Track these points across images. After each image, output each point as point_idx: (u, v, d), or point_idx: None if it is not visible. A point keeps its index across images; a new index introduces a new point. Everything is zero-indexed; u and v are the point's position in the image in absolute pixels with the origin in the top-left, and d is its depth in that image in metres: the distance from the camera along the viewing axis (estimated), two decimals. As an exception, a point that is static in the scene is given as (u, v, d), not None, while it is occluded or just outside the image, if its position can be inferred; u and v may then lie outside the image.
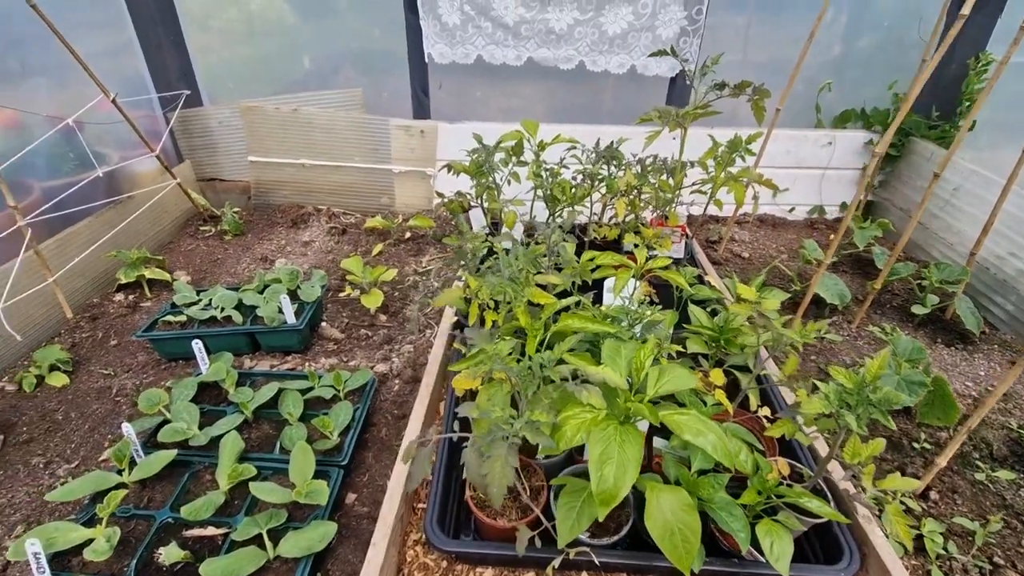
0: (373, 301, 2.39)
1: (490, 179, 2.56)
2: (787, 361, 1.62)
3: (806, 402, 1.29)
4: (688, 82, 3.17)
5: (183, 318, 2.17)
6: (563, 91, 3.42)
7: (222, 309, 2.18)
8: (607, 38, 3.05)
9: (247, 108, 3.28)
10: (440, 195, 2.84)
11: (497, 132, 3.20)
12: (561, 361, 1.35)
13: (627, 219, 2.61)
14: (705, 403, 1.60)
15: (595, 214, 2.79)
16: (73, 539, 1.33)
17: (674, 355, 1.74)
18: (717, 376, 1.71)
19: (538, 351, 1.37)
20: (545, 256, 1.81)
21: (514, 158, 2.50)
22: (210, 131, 3.39)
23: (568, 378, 1.29)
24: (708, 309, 2.00)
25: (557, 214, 2.73)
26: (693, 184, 2.43)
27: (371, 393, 1.85)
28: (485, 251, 1.91)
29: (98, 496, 1.48)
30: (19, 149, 2.29)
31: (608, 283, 2.15)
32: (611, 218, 2.87)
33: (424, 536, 1.52)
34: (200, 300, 2.29)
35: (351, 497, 1.65)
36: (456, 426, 1.44)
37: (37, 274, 2.30)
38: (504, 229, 2.68)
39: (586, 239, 2.68)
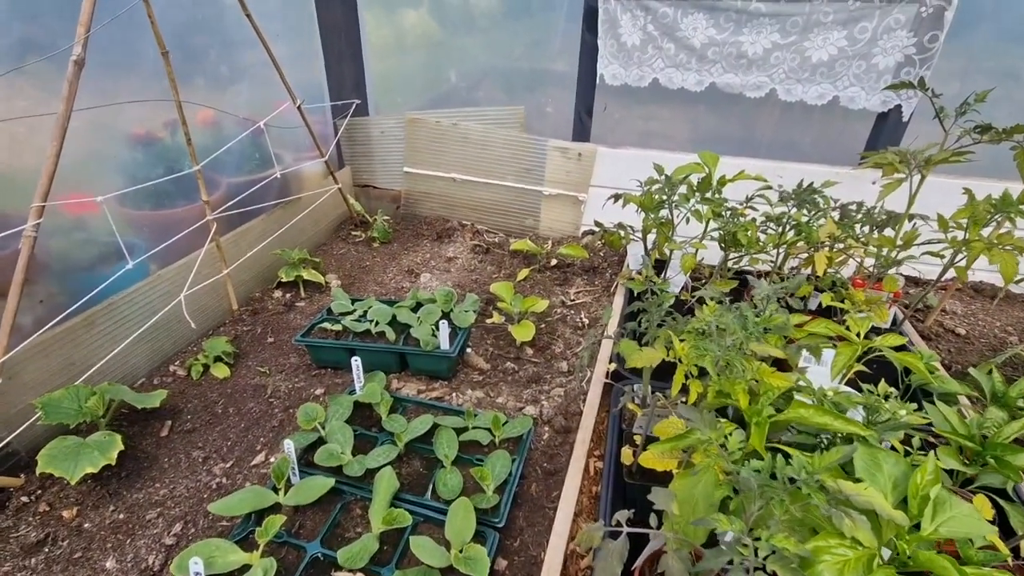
0: (523, 333, 2.22)
1: (665, 215, 2.31)
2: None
3: None
4: (905, 120, 2.70)
5: (339, 327, 2.14)
6: (710, 117, 3.08)
7: (377, 323, 2.12)
8: (809, 65, 2.68)
9: (411, 120, 3.32)
10: (599, 225, 2.64)
11: (661, 161, 2.95)
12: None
13: (825, 275, 2.22)
14: (972, 542, 1.21)
15: (775, 263, 2.42)
16: (231, 562, 1.26)
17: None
18: (984, 507, 1.30)
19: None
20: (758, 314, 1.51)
21: (697, 194, 2.23)
22: (371, 140, 3.48)
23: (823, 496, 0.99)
24: (955, 408, 1.58)
25: (733, 260, 2.40)
26: (925, 243, 1.99)
27: (528, 444, 1.65)
28: (671, 302, 1.66)
29: (256, 515, 1.41)
30: (214, 145, 2.43)
31: (827, 357, 1.80)
32: (792, 269, 2.48)
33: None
34: (355, 310, 2.26)
35: (502, 564, 1.45)
36: (627, 515, 1.17)
37: (214, 266, 2.41)
38: (674, 273, 2.40)
39: (769, 293, 2.32)
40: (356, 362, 1.80)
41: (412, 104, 3.44)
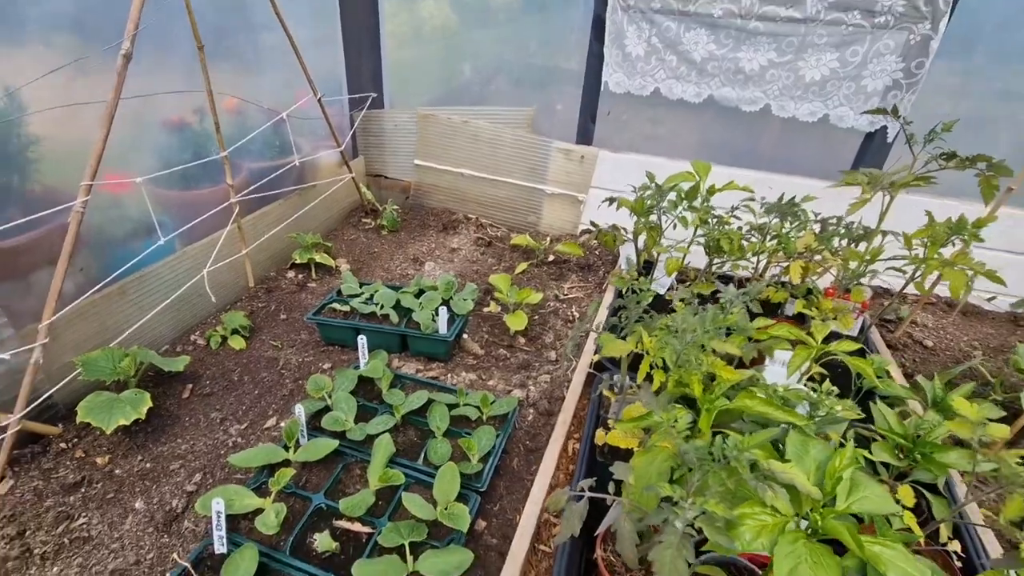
0: (517, 323, 2.40)
1: (654, 219, 2.47)
2: (1010, 501, 1.35)
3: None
4: (889, 141, 2.85)
5: (347, 308, 2.33)
6: (718, 127, 3.23)
7: (382, 306, 2.31)
8: (802, 84, 2.83)
9: (424, 115, 3.49)
10: (595, 225, 2.80)
11: (658, 167, 3.11)
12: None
13: (801, 284, 2.38)
14: (890, 524, 1.39)
15: (756, 270, 2.59)
16: (247, 505, 1.46)
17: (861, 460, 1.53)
18: (906, 495, 1.48)
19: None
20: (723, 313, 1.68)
21: (685, 202, 2.39)
22: (385, 132, 3.65)
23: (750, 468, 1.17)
24: (897, 410, 1.76)
25: (717, 265, 2.57)
26: (889, 259, 2.15)
27: (512, 422, 1.84)
28: (650, 300, 1.84)
29: (268, 468, 1.61)
30: (237, 131, 2.62)
31: (780, 356, 1.97)
32: (773, 276, 2.64)
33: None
34: (363, 293, 2.45)
35: (481, 524, 1.64)
36: (590, 483, 1.36)
37: (234, 245, 2.60)
38: (660, 274, 2.57)
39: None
40: (362, 340, 1.99)
41: (426, 96, 3.60)
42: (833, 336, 2.12)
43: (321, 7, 3.24)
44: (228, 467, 1.79)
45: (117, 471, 1.78)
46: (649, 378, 1.55)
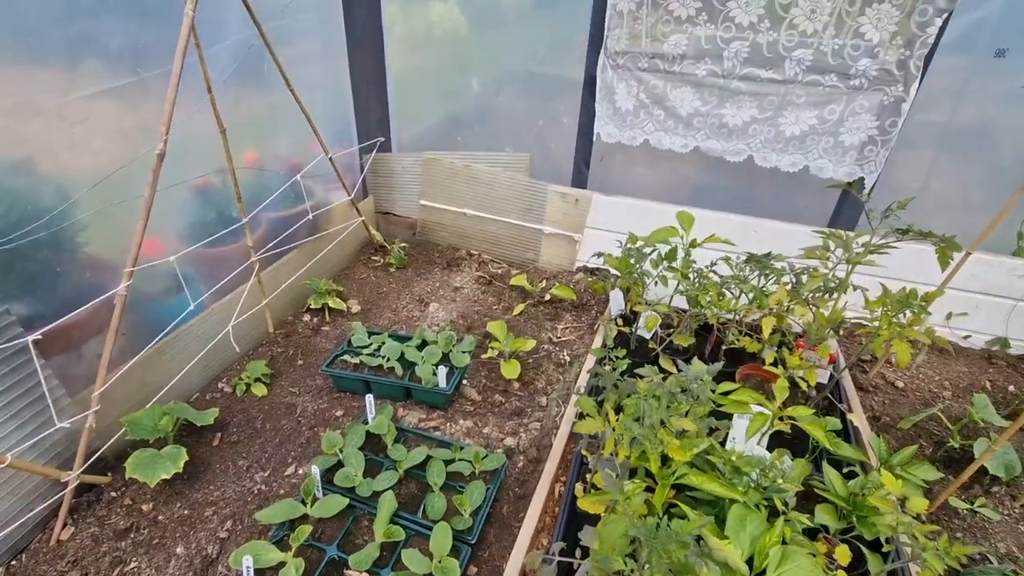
0: (511, 371, 2.63)
1: (636, 275, 2.67)
2: (928, 562, 1.55)
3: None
4: (867, 191, 2.99)
5: (357, 360, 2.59)
6: (705, 174, 3.39)
7: (388, 359, 2.55)
8: (783, 138, 2.99)
9: (428, 159, 3.71)
10: (590, 272, 3.02)
11: (648, 211, 3.31)
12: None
13: (772, 335, 2.57)
14: (825, 583, 1.60)
15: (734, 316, 2.77)
16: (271, 559, 1.73)
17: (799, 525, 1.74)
18: (843, 555, 1.69)
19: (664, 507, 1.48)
20: (683, 392, 1.89)
21: (665, 263, 2.59)
22: (393, 173, 3.88)
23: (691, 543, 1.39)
24: (844, 471, 1.96)
25: (696, 314, 2.76)
26: (851, 320, 2.33)
27: (501, 477, 2.08)
28: (624, 367, 2.05)
29: (289, 523, 1.87)
30: (254, 183, 2.87)
31: (740, 422, 2.17)
32: (753, 321, 2.83)
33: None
34: (371, 344, 2.70)
35: (472, 571, 1.89)
36: (561, 546, 1.60)
37: (255, 297, 2.87)
38: (642, 327, 2.77)
39: (723, 344, 2.69)
40: (369, 398, 2.24)
41: (431, 117, 3.80)
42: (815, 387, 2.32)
43: (331, 47, 3.44)
44: (255, 517, 2.06)
45: (160, 517, 2.07)
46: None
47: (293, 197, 3.23)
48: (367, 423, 2.27)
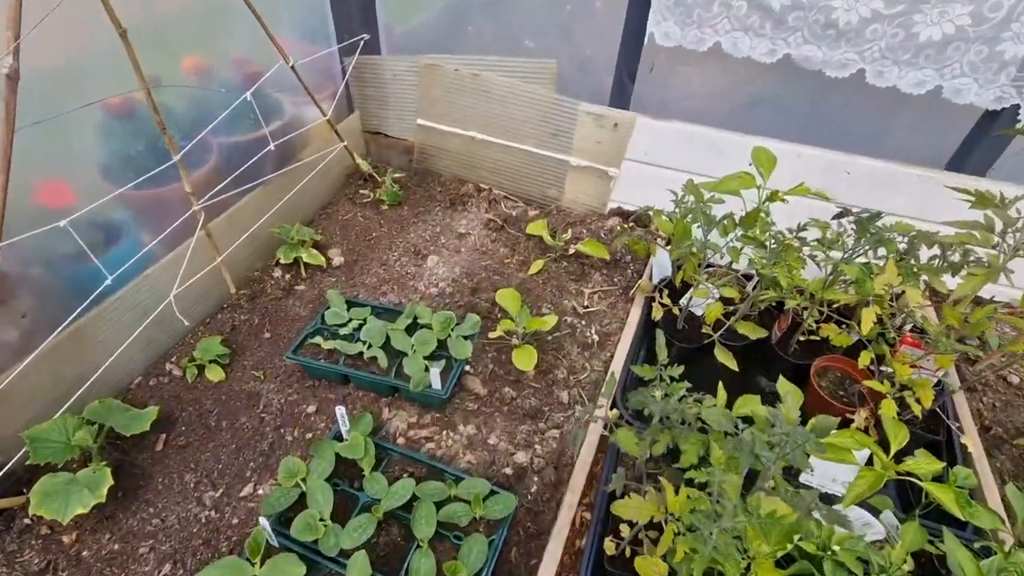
0: (525, 361, 2.08)
1: (698, 246, 2.01)
2: None
3: None
4: (1021, 121, 2.19)
5: (331, 345, 2.04)
6: (789, 91, 2.56)
7: (370, 346, 2.01)
8: (914, 44, 2.13)
9: (426, 65, 2.89)
10: (626, 217, 2.35)
11: (708, 141, 2.57)
12: None
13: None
14: None
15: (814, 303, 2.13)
16: (203, 651, 1.31)
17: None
18: None
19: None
20: (772, 448, 1.33)
21: (737, 229, 1.91)
22: (384, 83, 3.08)
23: None
24: (978, 546, 1.44)
25: (762, 296, 2.11)
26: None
27: (508, 524, 1.60)
28: (681, 393, 1.49)
29: (230, 590, 1.44)
30: (201, 102, 2.18)
31: (839, 470, 1.63)
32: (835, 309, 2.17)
33: None
34: (350, 320, 2.14)
35: (470, 649, 1.48)
36: None
37: (207, 253, 2.28)
38: (698, 306, 2.15)
39: (796, 334, 2.09)
40: (341, 412, 1.72)
41: (430, 5, 2.95)
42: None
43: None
44: (199, 553, 1.65)
45: (85, 552, 1.66)
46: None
47: (254, 118, 2.52)
48: (340, 438, 1.78)
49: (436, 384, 1.87)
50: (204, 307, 2.37)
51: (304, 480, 1.65)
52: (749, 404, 1.59)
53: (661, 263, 2.42)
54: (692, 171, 2.67)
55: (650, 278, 2.49)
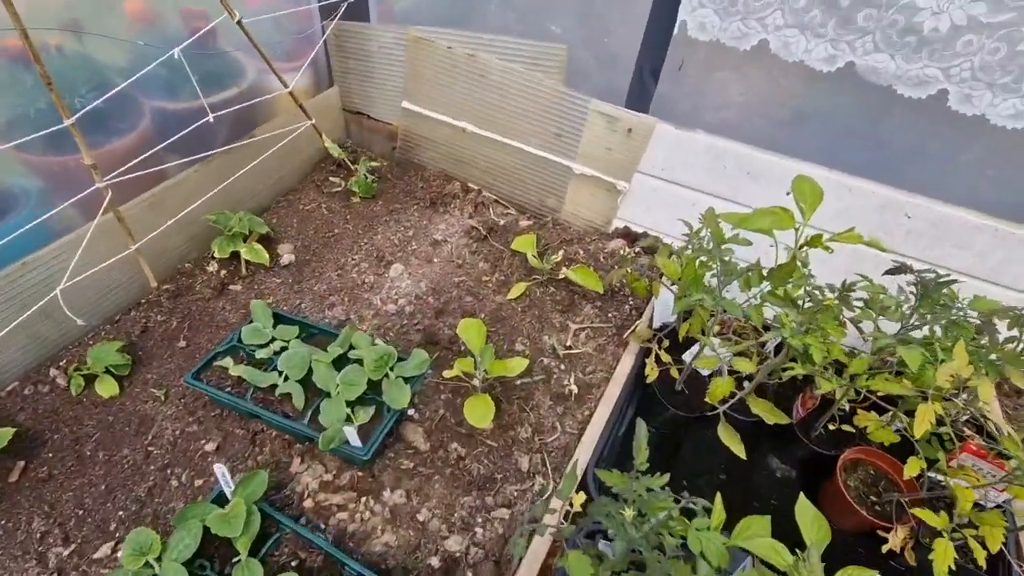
0: (479, 416, 1.66)
1: (713, 298, 1.56)
2: None
3: None
4: None
5: (241, 372, 1.65)
6: (842, 108, 2.09)
7: (286, 379, 1.61)
8: (1018, 65, 1.65)
9: (414, 39, 2.46)
10: (631, 240, 1.92)
11: (739, 159, 2.13)
12: None
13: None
14: None
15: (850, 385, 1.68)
16: None
17: None
18: None
19: None
20: None
21: (765, 284, 1.46)
22: (368, 55, 2.66)
23: None
24: None
25: (786, 366, 1.66)
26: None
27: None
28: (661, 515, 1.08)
29: None
30: (144, 53, 1.80)
31: None
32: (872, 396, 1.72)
33: None
34: (272, 339, 1.75)
35: None
36: None
37: (118, 240, 1.89)
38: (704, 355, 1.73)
39: (824, 418, 1.66)
40: (220, 470, 1.33)
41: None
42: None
43: None
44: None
45: None
46: None
47: (198, 80, 2.12)
48: (224, 500, 1.38)
49: (354, 441, 1.47)
50: (113, 302, 2.00)
51: (158, 560, 1.26)
52: (755, 528, 1.17)
53: (664, 304, 1.98)
54: (716, 195, 2.23)
55: (649, 322, 2.06)
